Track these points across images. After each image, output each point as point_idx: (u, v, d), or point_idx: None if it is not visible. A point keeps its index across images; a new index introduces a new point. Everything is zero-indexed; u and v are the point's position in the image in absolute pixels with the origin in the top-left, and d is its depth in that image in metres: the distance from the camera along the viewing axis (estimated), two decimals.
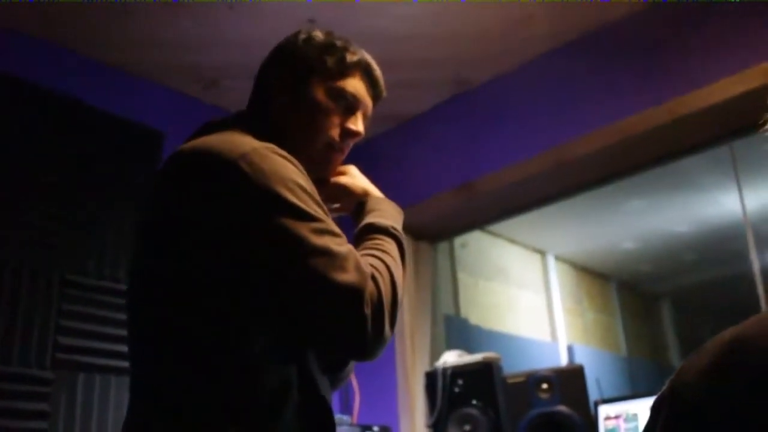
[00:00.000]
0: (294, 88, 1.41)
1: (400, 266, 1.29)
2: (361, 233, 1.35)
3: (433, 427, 2.78)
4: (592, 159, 2.97)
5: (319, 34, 1.44)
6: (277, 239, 1.14)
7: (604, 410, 2.51)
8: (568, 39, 3.07)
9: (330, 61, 1.40)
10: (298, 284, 1.13)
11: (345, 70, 1.42)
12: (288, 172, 1.19)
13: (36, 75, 2.79)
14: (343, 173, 1.51)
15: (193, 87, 3.27)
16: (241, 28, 2.91)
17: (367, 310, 1.13)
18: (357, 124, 1.43)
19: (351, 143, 1.45)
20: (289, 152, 1.25)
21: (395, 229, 1.37)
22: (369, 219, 1.37)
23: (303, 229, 1.14)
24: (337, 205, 1.50)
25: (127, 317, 1.32)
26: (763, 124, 0.81)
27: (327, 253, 1.13)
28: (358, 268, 1.15)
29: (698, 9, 2.73)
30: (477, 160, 3.27)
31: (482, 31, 3.00)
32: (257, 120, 1.40)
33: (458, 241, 4.00)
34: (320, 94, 1.39)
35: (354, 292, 1.12)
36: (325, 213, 1.21)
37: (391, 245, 1.32)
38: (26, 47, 2.83)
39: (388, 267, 1.24)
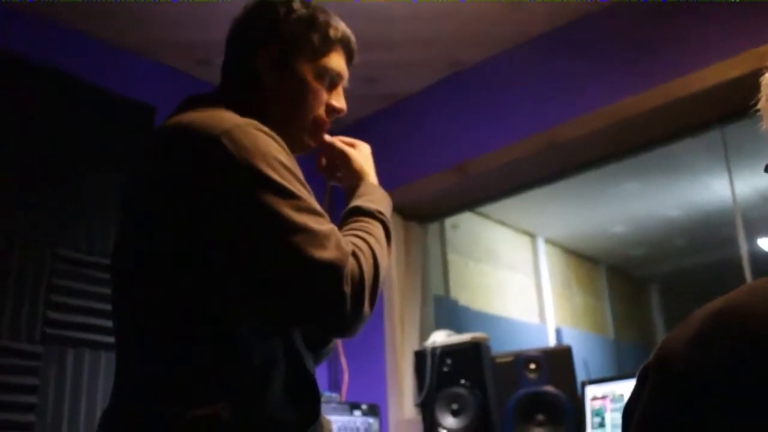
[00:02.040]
0: (281, 65, 1.39)
1: (385, 248, 1.30)
2: (347, 215, 1.36)
3: (421, 406, 2.80)
4: (584, 142, 2.98)
5: (298, 5, 1.42)
6: (258, 215, 1.14)
7: (591, 391, 2.54)
8: (562, 22, 3.06)
9: (315, 38, 1.39)
10: (277, 261, 1.13)
11: (329, 46, 1.41)
12: (270, 149, 1.19)
13: (28, 49, 2.77)
14: (353, 145, 1.51)
15: (186, 63, 3.26)
16: (235, 5, 2.89)
17: (346, 288, 1.13)
18: (340, 101, 1.44)
19: (333, 118, 1.45)
20: (273, 129, 1.25)
21: (381, 213, 1.37)
22: (356, 202, 1.38)
23: (283, 206, 1.15)
24: (338, 175, 1.51)
25: (112, 293, 1.32)
26: (755, 104, 0.82)
27: (306, 230, 1.14)
28: (338, 246, 1.16)
29: None
30: (469, 141, 3.28)
31: (477, 12, 2.99)
32: (239, 95, 1.39)
33: (449, 222, 4.01)
34: (308, 73, 1.39)
35: (332, 269, 1.13)
36: (308, 191, 1.21)
37: (376, 228, 1.32)
38: (18, 21, 2.81)
39: (371, 247, 1.24)
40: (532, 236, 5.31)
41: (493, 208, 4.27)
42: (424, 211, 3.61)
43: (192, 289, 1.18)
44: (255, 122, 1.23)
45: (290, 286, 1.14)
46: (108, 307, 2.64)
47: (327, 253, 1.13)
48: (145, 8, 2.89)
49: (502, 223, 4.95)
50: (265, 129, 1.23)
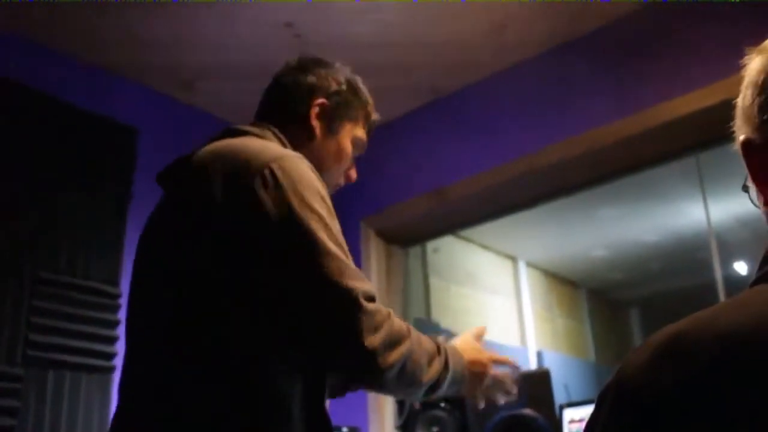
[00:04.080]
0: (330, 120, 1.52)
1: (424, 360, 1.32)
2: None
3: (401, 429, 2.80)
4: (564, 167, 3.02)
5: (357, 79, 1.60)
6: (295, 234, 1.20)
7: (568, 414, 2.56)
8: (541, 49, 3.12)
9: (361, 111, 1.58)
10: (304, 278, 1.19)
11: (367, 124, 1.60)
12: (313, 181, 1.27)
13: (10, 71, 2.78)
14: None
15: (169, 86, 3.28)
16: (219, 30, 2.92)
17: (363, 321, 1.17)
18: (354, 173, 1.60)
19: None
20: None
21: (447, 355, 1.41)
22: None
23: (319, 231, 1.21)
24: None
25: (133, 312, 1.34)
26: (731, 128, 0.84)
27: (336, 257, 1.20)
28: (363, 286, 1.21)
29: (669, 22, 2.79)
30: (450, 165, 3.31)
31: (456, 39, 3.04)
32: (281, 131, 1.46)
33: (431, 245, 4.04)
34: (348, 140, 1.54)
35: (352, 298, 1.18)
36: (339, 229, 1.28)
37: (430, 347, 1.37)
38: (1, 44, 2.82)
39: (410, 336, 1.29)
40: (513, 259, 5.35)
41: (474, 232, 4.31)
42: (405, 234, 3.63)
43: (219, 314, 1.22)
44: (301, 155, 1.33)
45: (312, 304, 1.19)
46: (89, 329, 2.68)
47: (351, 282, 1.19)
48: (129, 30, 2.91)
49: (484, 246, 4.99)
50: (309, 163, 1.31)
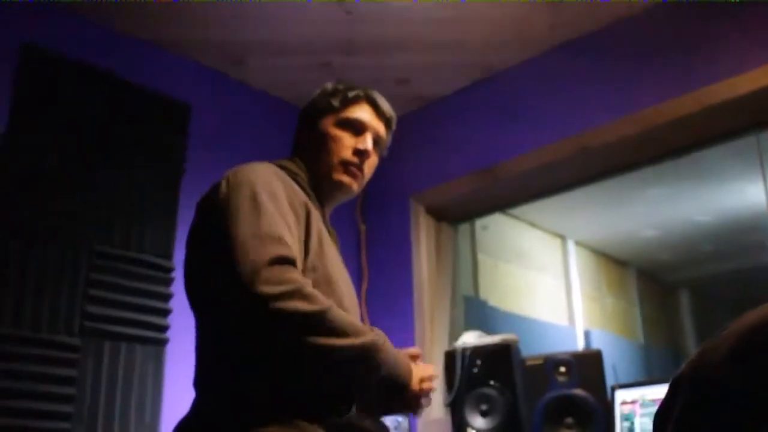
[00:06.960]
0: (310, 128, 1.76)
1: (333, 334, 1.36)
2: None
3: (450, 406, 2.81)
4: (616, 146, 2.97)
5: (329, 85, 1.79)
6: (226, 217, 1.41)
7: (620, 395, 2.54)
8: (596, 26, 3.06)
9: (335, 101, 1.74)
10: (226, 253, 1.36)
11: (348, 103, 1.74)
12: (256, 179, 1.47)
13: (66, 47, 2.82)
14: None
15: (221, 62, 3.30)
16: (271, 6, 2.93)
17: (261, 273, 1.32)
18: (364, 143, 1.72)
19: (366, 161, 1.73)
20: (312, 175, 1.67)
21: (374, 345, 1.48)
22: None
23: (246, 213, 1.40)
24: None
25: None
26: None
27: (253, 235, 1.36)
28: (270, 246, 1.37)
29: None
30: (501, 143, 3.29)
31: (510, 16, 3.00)
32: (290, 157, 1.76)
33: (479, 223, 4.01)
34: (329, 127, 1.72)
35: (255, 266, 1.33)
36: (281, 214, 1.43)
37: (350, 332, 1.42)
38: (58, 19, 2.86)
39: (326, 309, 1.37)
40: (562, 238, 5.30)
41: (524, 210, 4.28)
42: (454, 211, 3.62)
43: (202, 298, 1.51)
44: (269, 164, 1.57)
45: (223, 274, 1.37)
46: (144, 301, 2.75)
47: (253, 256, 1.33)
48: (182, 6, 2.93)
49: (532, 224, 4.95)
50: (267, 166, 1.56)
